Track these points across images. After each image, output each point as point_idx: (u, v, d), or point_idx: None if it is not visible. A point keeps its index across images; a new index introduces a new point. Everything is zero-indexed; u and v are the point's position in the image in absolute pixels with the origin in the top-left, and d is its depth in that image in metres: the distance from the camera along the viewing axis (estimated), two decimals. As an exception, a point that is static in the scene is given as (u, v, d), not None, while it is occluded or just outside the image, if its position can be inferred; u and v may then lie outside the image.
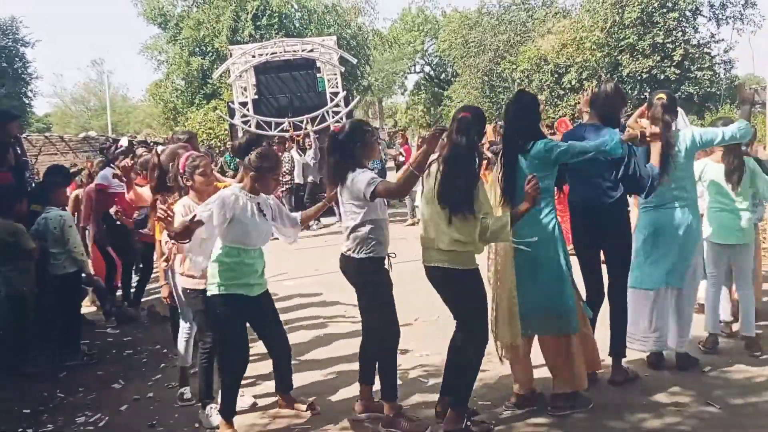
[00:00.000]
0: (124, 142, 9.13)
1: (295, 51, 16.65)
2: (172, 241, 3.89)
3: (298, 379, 4.45)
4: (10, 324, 5.36)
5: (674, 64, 19.12)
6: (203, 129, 23.15)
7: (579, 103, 7.23)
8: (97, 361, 5.62)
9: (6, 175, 5.74)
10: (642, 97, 17.22)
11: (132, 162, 5.24)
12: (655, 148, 4.10)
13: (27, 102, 33.18)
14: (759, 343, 4.71)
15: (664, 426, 3.73)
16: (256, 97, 16.33)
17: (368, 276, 3.80)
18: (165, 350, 5.73)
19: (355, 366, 4.14)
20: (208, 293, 3.81)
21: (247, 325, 3.98)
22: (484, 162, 6.81)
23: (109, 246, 7.02)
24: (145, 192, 4.90)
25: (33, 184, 6.68)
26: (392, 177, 4.97)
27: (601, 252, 4.41)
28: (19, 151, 6.52)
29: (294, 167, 13.24)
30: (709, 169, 4.84)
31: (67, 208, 6.27)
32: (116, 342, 6.19)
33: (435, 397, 4.03)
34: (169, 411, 4.42)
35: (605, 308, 4.39)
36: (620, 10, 19.68)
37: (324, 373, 4.87)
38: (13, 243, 5.25)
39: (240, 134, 15.28)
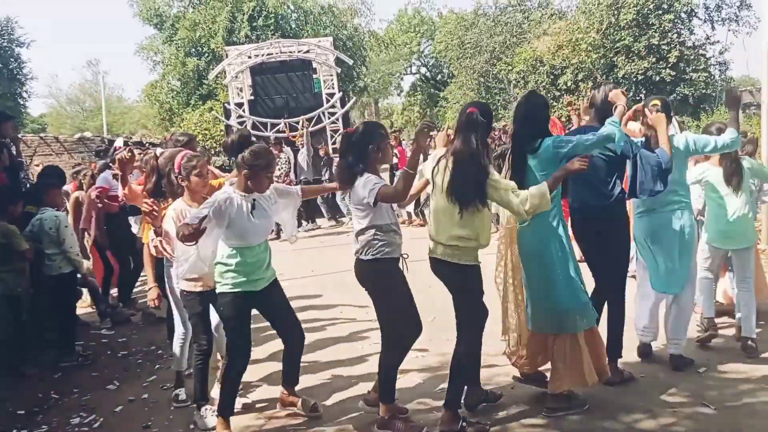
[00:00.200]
0: (119, 143, 9.12)
1: (291, 52, 16.67)
2: (162, 239, 3.88)
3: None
4: (6, 325, 5.33)
5: (669, 65, 19.14)
6: (199, 130, 23.05)
7: (571, 103, 7.24)
8: (92, 362, 5.61)
9: (0, 176, 5.73)
10: (637, 99, 17.23)
11: (130, 155, 5.18)
12: (661, 134, 4.19)
13: (22, 103, 33.05)
14: (757, 346, 4.72)
15: (659, 427, 3.74)
16: (252, 98, 16.34)
17: (376, 278, 3.77)
18: (160, 351, 5.72)
19: (352, 368, 4.13)
20: (217, 290, 3.80)
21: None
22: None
23: (108, 249, 7.00)
24: (140, 191, 4.87)
25: (28, 185, 6.66)
26: (385, 178, 4.95)
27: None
28: (14, 152, 6.52)
29: (291, 167, 13.24)
30: (710, 173, 4.86)
31: (62, 209, 6.24)
32: (111, 343, 6.18)
33: (432, 397, 4.03)
34: (164, 412, 4.41)
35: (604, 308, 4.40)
36: (616, 12, 19.70)
37: (319, 375, 4.85)
38: (6, 244, 5.24)
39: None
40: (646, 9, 19.41)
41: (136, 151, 5.44)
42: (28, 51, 47.64)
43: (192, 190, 4.05)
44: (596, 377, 3.89)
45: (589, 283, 4.26)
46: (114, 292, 7.32)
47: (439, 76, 40.01)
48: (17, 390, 5.03)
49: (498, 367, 4.55)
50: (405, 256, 3.82)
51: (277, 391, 4.32)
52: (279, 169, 11.73)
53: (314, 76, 16.63)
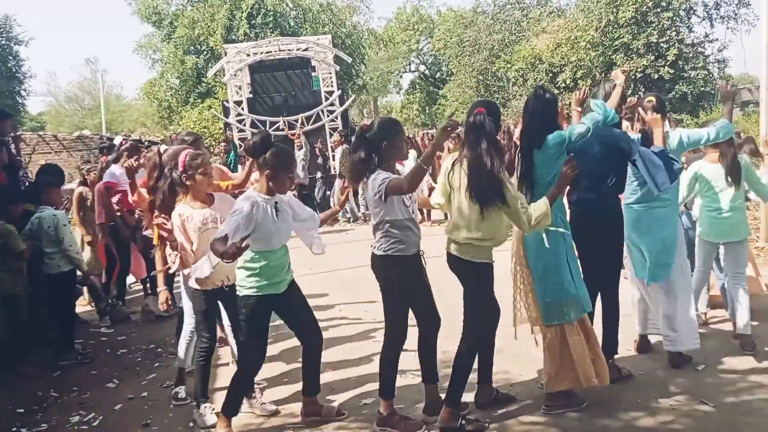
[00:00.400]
0: (117, 140, 9.10)
1: (289, 50, 16.64)
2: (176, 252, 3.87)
3: (294, 380, 4.45)
4: (6, 324, 5.33)
5: (668, 63, 19.14)
6: (198, 128, 23.07)
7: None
8: (91, 360, 5.62)
9: (0, 175, 5.73)
10: (636, 96, 17.26)
11: (137, 163, 5.17)
12: (657, 136, 4.27)
13: (20, 101, 32.99)
14: (753, 341, 4.74)
15: (657, 425, 3.75)
16: (251, 95, 16.31)
17: (387, 273, 3.77)
18: (159, 349, 5.73)
19: (352, 368, 4.12)
20: (239, 293, 3.78)
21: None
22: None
23: (113, 244, 6.98)
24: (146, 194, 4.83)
25: (26, 183, 6.66)
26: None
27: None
28: (13, 151, 6.51)
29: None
30: (705, 170, 4.90)
31: (61, 207, 6.23)
32: (110, 341, 6.18)
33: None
34: (163, 410, 4.42)
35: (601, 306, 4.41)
36: (614, 10, 19.70)
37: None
38: (3, 244, 5.23)
39: (235, 133, 15.30)
40: (644, 6, 19.41)
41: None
42: (26, 49, 47.58)
43: (196, 189, 4.01)
44: (593, 379, 3.86)
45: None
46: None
47: (438, 74, 39.96)
48: (17, 388, 5.04)
49: (496, 366, 4.55)
50: (421, 252, 3.82)
51: (278, 391, 4.32)
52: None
53: (313, 74, 16.59)
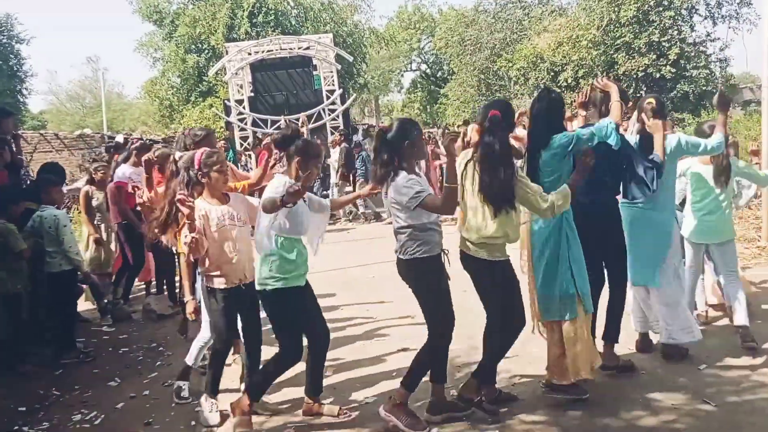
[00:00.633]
0: (120, 139, 9.12)
1: (291, 48, 16.65)
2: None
3: (294, 379, 4.44)
4: (6, 324, 5.33)
5: (670, 62, 19.09)
6: (199, 126, 23.07)
7: (575, 101, 7.23)
8: (93, 358, 5.61)
9: (2, 174, 5.72)
10: (638, 95, 17.23)
11: (156, 157, 5.21)
12: (657, 141, 4.30)
13: (22, 100, 33.03)
14: (751, 333, 4.75)
15: (659, 423, 3.75)
16: (252, 94, 16.33)
17: (415, 277, 3.77)
18: (161, 348, 5.73)
19: (352, 368, 4.13)
20: (269, 288, 3.76)
21: None
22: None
23: (126, 244, 6.98)
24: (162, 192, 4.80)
25: (28, 182, 6.65)
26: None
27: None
28: (15, 149, 6.50)
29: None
30: (694, 168, 4.95)
31: (62, 206, 6.23)
32: (112, 340, 6.18)
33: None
34: (165, 409, 4.42)
35: (603, 304, 4.42)
36: (616, 9, 19.65)
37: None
38: (3, 243, 5.23)
39: (236, 132, 15.31)
40: (646, 6, 19.36)
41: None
42: (27, 47, 47.60)
43: (212, 187, 4.02)
44: (580, 372, 3.89)
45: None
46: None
47: (440, 73, 39.94)
48: (18, 387, 5.03)
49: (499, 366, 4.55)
50: (446, 251, 3.83)
51: (280, 389, 4.32)
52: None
53: (314, 72, 16.60)
